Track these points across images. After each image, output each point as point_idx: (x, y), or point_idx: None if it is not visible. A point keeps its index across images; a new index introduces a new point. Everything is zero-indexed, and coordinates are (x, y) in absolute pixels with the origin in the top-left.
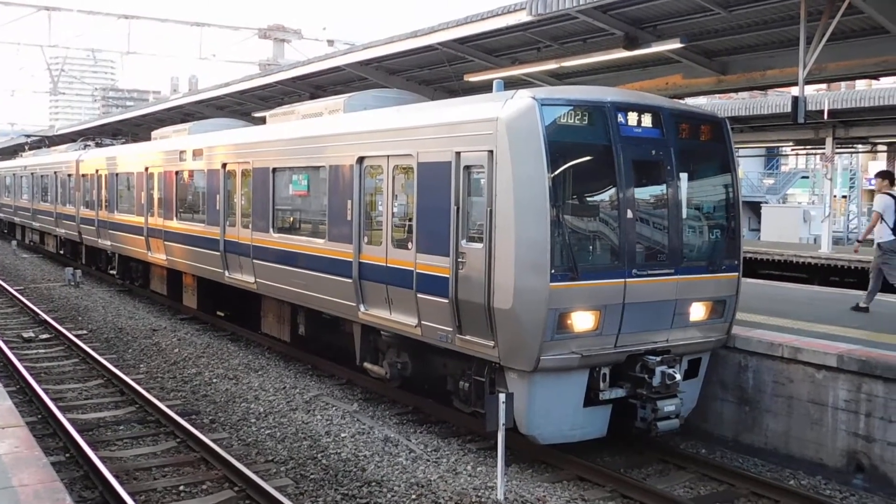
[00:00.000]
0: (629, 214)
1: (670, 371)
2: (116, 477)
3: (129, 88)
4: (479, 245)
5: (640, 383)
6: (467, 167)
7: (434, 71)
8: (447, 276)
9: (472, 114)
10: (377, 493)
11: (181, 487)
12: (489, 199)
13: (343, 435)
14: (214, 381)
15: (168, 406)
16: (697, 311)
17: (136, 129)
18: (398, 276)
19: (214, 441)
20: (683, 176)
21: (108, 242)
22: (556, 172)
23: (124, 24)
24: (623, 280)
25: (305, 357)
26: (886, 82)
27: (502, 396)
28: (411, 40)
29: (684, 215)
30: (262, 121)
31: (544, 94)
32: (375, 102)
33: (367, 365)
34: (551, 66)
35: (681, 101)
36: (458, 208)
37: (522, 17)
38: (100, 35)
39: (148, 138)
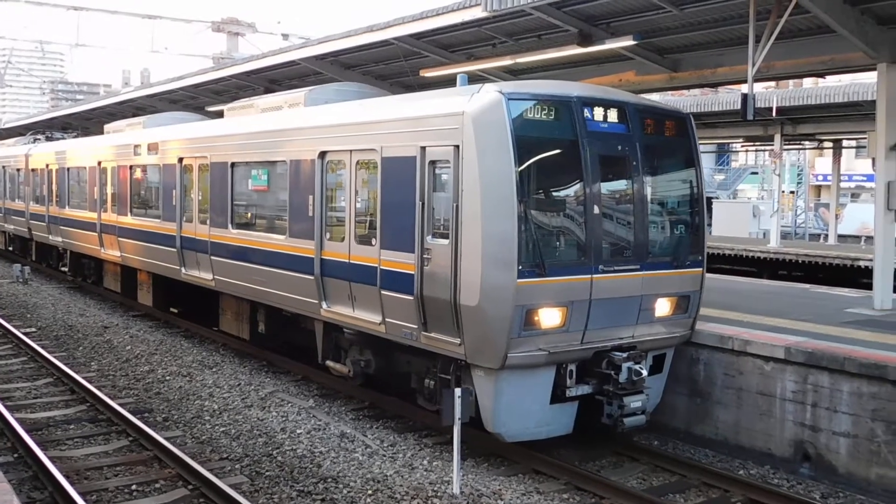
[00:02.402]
0: (596, 210)
1: (636, 367)
2: (67, 477)
3: (78, 82)
4: (445, 241)
5: (607, 380)
6: (433, 162)
7: (390, 66)
8: (412, 272)
9: (438, 108)
10: (333, 488)
11: (133, 487)
12: (455, 195)
13: (299, 431)
14: (168, 378)
15: (120, 404)
16: (662, 307)
17: (86, 123)
18: (362, 273)
19: (168, 439)
20: (649, 171)
21: (60, 239)
22: (524, 167)
23: (73, 15)
24: (590, 276)
25: (261, 353)
26: (832, 80)
27: (458, 391)
28: (367, 35)
29: (649, 211)
30: (218, 115)
31: (511, 89)
32: (337, 96)
33: (329, 363)
34: (506, 62)
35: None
36: (423, 203)
37: (477, 13)
38: (48, 27)
39: (99, 132)
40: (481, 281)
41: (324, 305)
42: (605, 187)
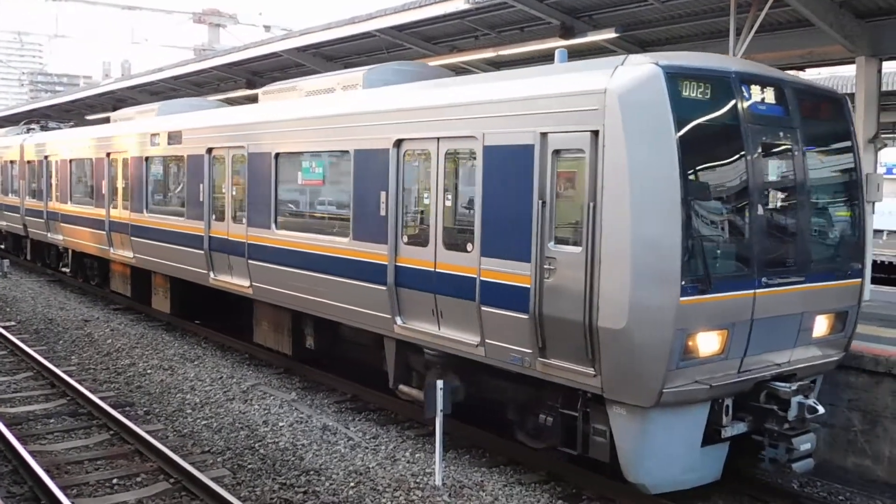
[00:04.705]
0: (760, 211)
1: (810, 402)
2: (47, 471)
3: (58, 73)
4: (577, 249)
5: (765, 416)
6: (557, 151)
7: (373, 58)
8: (527, 286)
9: (567, 85)
10: (315, 481)
11: (115, 480)
12: (592, 192)
13: (281, 424)
14: (149, 371)
15: (101, 398)
16: (820, 326)
17: (66, 116)
18: (452, 285)
19: (149, 433)
20: (809, 163)
21: (60, 237)
22: (687, 159)
23: (52, 6)
24: (752, 291)
25: (242, 347)
26: (811, 73)
27: (440, 383)
28: (349, 27)
29: (812, 211)
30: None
31: (667, 61)
32: (396, 77)
33: (403, 388)
34: (489, 54)
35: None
36: (543, 203)
37: (460, 4)
38: (26, 17)
39: (80, 124)
40: (630, 299)
41: (398, 321)
42: (768, 183)
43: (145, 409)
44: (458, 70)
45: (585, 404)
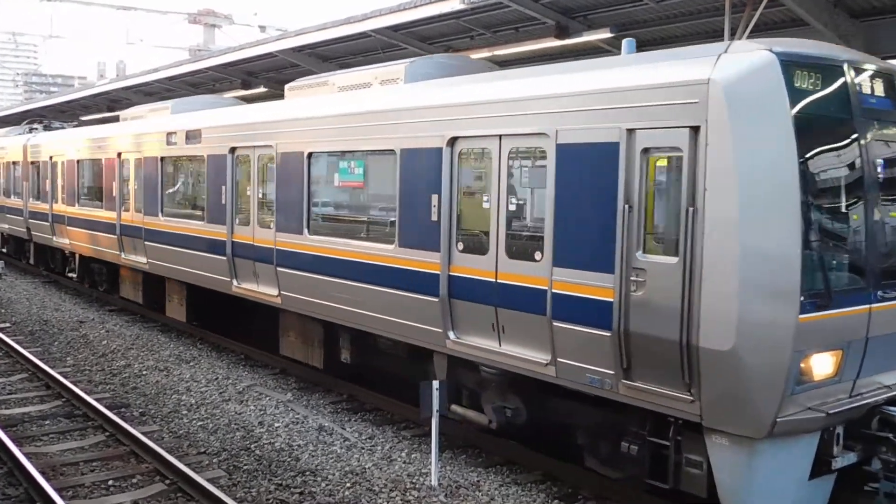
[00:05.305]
0: (876, 216)
1: None
2: (42, 473)
3: (53, 74)
4: (672, 259)
5: (880, 444)
6: (647, 150)
7: (368, 58)
8: (609, 300)
9: (658, 76)
10: (311, 482)
11: (110, 482)
12: (690, 195)
13: (277, 425)
14: (144, 373)
15: (96, 399)
16: None
17: (60, 116)
18: (517, 297)
19: (144, 434)
20: None
21: (67, 241)
22: (806, 159)
23: (47, 6)
24: (868, 306)
25: (238, 347)
26: None
27: (436, 383)
28: (345, 27)
29: None
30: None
31: (780, 47)
32: (440, 70)
33: (456, 409)
34: (484, 54)
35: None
36: (630, 207)
37: (455, 4)
38: (21, 17)
39: (81, 125)
40: (739, 315)
41: (451, 335)
42: (882, 183)
43: (141, 410)
44: None
45: (677, 432)
